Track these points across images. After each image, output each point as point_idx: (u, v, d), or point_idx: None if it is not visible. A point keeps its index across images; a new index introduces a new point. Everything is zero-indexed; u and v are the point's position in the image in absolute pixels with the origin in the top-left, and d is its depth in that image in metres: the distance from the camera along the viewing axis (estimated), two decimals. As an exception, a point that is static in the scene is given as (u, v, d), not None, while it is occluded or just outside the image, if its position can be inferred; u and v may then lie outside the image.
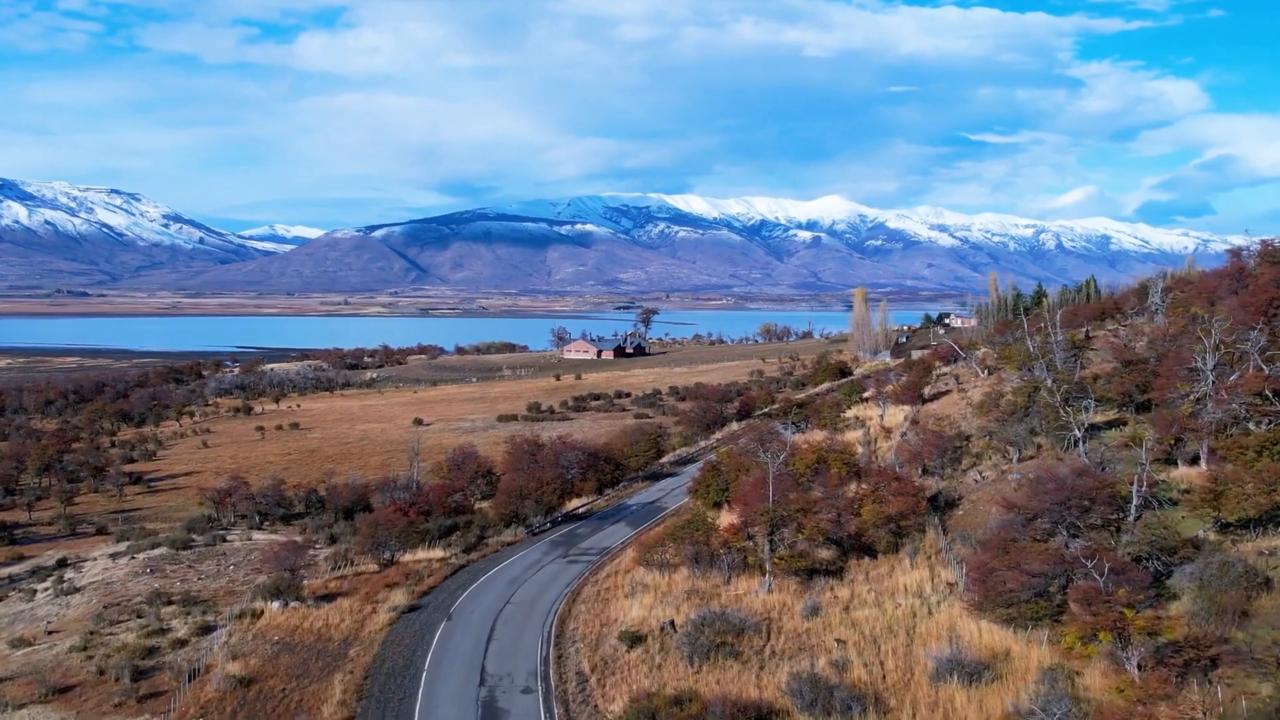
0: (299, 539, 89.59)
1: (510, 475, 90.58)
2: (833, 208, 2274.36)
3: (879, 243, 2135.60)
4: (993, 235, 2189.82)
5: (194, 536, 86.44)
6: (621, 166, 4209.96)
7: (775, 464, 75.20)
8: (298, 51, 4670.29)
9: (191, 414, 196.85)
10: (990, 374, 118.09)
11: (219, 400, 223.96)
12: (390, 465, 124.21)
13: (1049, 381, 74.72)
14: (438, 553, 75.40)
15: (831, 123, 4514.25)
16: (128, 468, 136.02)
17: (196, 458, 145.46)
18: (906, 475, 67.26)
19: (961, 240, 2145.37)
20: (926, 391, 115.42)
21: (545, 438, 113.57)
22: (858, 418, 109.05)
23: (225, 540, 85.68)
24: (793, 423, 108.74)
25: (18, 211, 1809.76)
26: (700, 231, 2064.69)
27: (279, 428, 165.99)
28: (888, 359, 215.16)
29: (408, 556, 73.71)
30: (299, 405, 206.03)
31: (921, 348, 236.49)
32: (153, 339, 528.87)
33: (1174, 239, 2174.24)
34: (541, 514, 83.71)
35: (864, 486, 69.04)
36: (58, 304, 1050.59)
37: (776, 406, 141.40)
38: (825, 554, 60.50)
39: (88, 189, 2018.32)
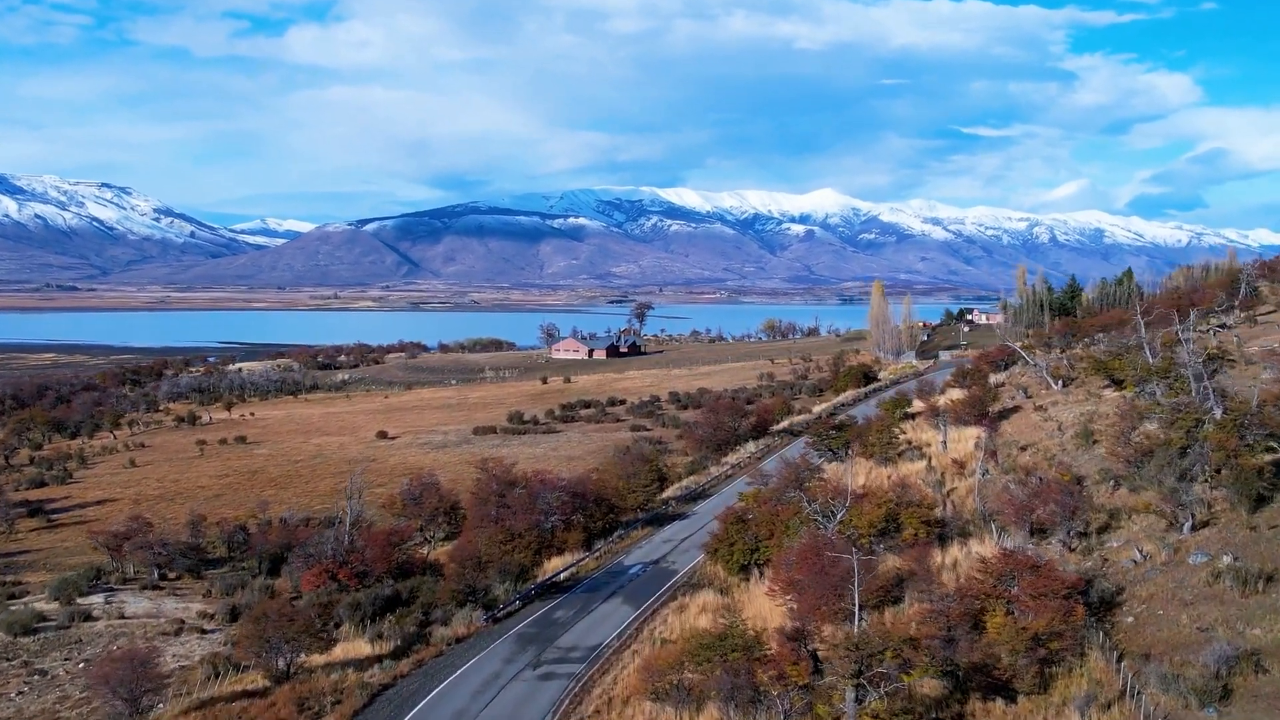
0: (197, 609, 68.90)
1: (471, 532, 69.21)
2: (825, 201, 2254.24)
3: (872, 236, 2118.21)
4: (986, 229, 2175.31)
5: (52, 607, 65.30)
6: (614, 160, 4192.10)
7: (833, 528, 54.54)
8: (288, 45, 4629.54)
9: (133, 423, 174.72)
10: (1064, 385, 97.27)
11: (170, 406, 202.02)
12: (342, 492, 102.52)
13: (1217, 412, 53.36)
14: (362, 647, 54.21)
15: (824, 116, 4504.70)
16: (34, 493, 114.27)
17: (119, 480, 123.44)
18: (1041, 558, 45.48)
19: (955, 234, 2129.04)
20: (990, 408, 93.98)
21: (522, 465, 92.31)
22: (911, 442, 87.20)
23: (90, 618, 64.16)
24: (829, 449, 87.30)
25: (8, 205, 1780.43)
26: (693, 225, 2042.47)
27: (223, 441, 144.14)
28: (913, 360, 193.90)
29: (317, 657, 52.45)
30: (253, 413, 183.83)
31: (949, 347, 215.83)
32: (136, 334, 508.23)
33: (1167, 232, 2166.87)
34: (510, 583, 62.42)
35: (970, 568, 48.06)
36: (46, 298, 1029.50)
37: (798, 419, 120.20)
38: (929, 686, 39.34)
39: (78, 183, 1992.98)
